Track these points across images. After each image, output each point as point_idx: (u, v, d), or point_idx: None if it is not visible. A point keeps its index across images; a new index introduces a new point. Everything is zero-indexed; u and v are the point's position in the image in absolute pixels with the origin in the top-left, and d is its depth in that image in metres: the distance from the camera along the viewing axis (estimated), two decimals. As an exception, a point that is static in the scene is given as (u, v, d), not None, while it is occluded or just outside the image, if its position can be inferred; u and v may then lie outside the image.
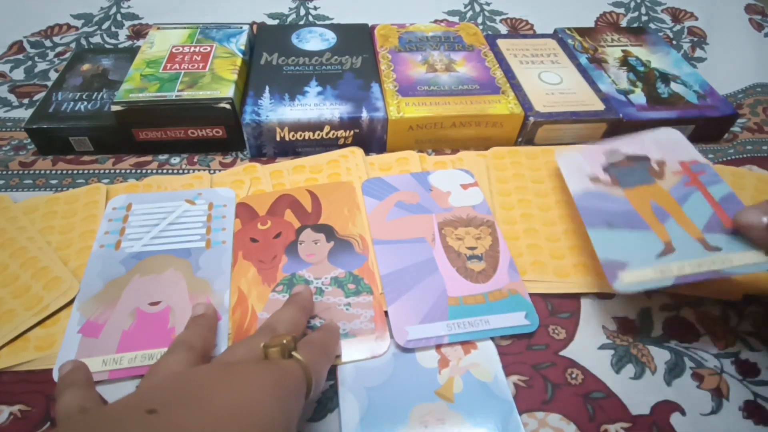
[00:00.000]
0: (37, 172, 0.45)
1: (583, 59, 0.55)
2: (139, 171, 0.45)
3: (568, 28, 0.60)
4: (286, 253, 0.38)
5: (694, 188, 0.37)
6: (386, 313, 0.34)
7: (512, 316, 0.34)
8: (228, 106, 0.44)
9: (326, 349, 0.29)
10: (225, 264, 0.37)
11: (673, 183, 0.37)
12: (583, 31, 0.60)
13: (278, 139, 0.46)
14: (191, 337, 0.29)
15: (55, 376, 0.30)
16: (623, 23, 0.70)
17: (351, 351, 0.32)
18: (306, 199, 0.42)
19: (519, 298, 0.35)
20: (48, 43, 0.62)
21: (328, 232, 0.39)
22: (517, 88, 0.50)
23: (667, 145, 0.41)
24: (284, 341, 0.26)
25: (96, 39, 0.63)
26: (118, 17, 0.67)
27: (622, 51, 0.57)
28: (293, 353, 0.26)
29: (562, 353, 0.33)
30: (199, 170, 0.45)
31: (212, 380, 0.23)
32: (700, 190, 0.36)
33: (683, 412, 0.30)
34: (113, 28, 0.65)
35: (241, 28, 0.55)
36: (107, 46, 0.62)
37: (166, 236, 0.39)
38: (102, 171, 0.45)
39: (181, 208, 0.40)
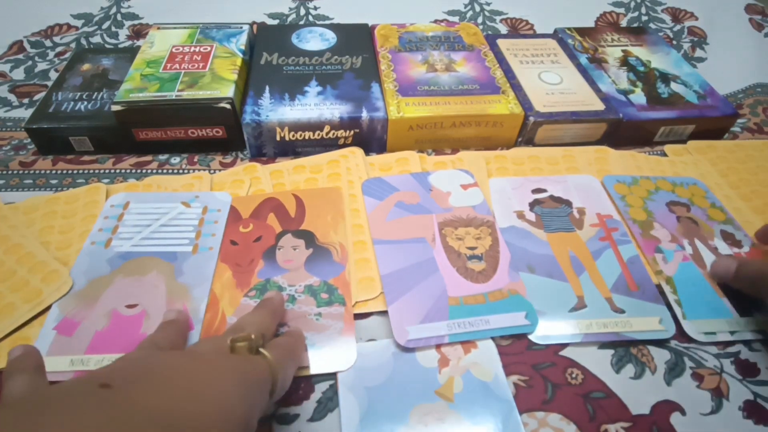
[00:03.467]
0: (37, 172, 0.45)
1: (583, 59, 0.55)
2: (139, 171, 0.45)
3: (568, 28, 0.60)
4: (263, 258, 0.37)
5: (607, 244, 0.39)
6: (385, 313, 0.34)
7: (512, 316, 0.34)
8: (228, 106, 0.44)
9: (293, 353, 0.29)
10: (208, 271, 0.36)
11: (590, 235, 0.40)
12: (583, 31, 0.60)
13: (278, 139, 0.46)
14: (160, 339, 0.29)
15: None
16: (623, 23, 0.70)
17: (317, 363, 0.32)
18: (291, 204, 0.41)
19: (519, 298, 0.35)
20: (48, 43, 0.62)
21: (309, 238, 0.39)
22: (517, 88, 0.50)
23: (589, 194, 0.43)
24: (252, 337, 0.26)
25: (96, 39, 0.63)
26: (118, 17, 0.67)
27: (623, 51, 0.57)
28: (260, 350, 0.26)
29: (562, 353, 0.33)
30: (199, 170, 0.45)
31: (175, 364, 0.22)
32: (612, 247, 0.39)
33: (683, 412, 0.30)
34: (113, 28, 0.65)
35: (241, 28, 0.55)
36: (107, 46, 0.62)
37: (156, 238, 0.38)
38: (102, 171, 0.45)
39: (176, 210, 0.40)
